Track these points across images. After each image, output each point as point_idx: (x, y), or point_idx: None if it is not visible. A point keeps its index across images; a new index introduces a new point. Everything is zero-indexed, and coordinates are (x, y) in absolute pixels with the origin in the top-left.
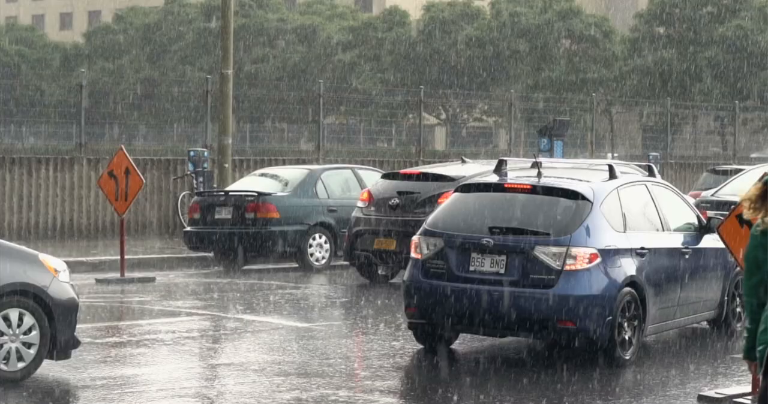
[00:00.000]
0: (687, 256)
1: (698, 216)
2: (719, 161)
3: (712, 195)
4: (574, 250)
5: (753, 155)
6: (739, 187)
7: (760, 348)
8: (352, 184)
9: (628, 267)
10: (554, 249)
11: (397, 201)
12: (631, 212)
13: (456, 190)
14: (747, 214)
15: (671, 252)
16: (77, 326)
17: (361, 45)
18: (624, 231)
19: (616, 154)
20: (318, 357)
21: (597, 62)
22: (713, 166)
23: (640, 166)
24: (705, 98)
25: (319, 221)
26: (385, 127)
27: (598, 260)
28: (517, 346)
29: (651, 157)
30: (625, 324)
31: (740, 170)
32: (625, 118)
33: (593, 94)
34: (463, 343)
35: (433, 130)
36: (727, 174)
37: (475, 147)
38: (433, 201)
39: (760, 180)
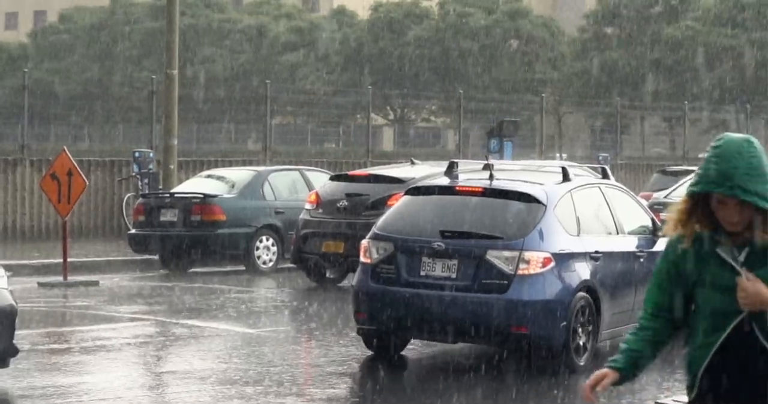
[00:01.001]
0: (641, 260)
1: (652, 219)
2: (668, 162)
3: (665, 196)
4: (527, 254)
5: (701, 155)
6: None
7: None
8: (299, 186)
9: (582, 271)
10: (507, 254)
11: (345, 203)
12: (584, 215)
13: (406, 193)
14: (671, 230)
15: (626, 255)
16: (16, 333)
17: (308, 45)
18: (578, 235)
19: (564, 155)
20: (265, 364)
21: (545, 63)
22: (663, 167)
23: (592, 167)
24: (653, 99)
25: (266, 223)
26: (332, 127)
27: (552, 264)
28: (469, 352)
29: (601, 158)
30: (580, 330)
31: (691, 171)
32: (574, 118)
33: (543, 95)
34: (413, 349)
35: (380, 131)
36: (677, 175)
37: (424, 147)
38: (382, 203)
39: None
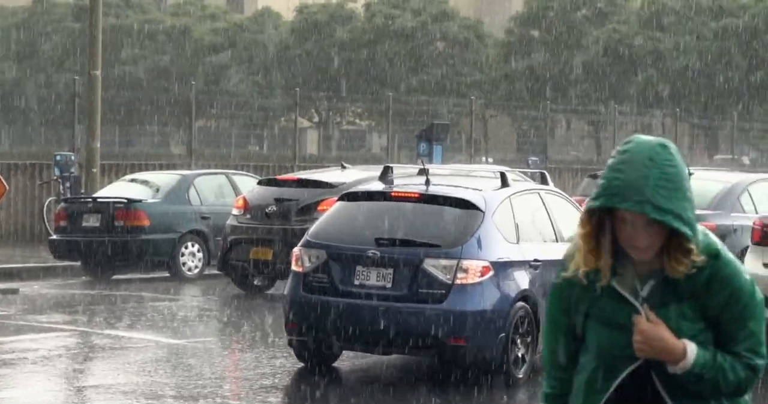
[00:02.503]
0: None
1: None
2: (597, 166)
3: None
4: (465, 263)
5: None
6: None
7: None
8: (226, 190)
9: (522, 280)
10: (444, 262)
11: (274, 208)
12: (524, 222)
13: (340, 199)
14: (583, 264)
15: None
16: None
17: (233, 47)
18: (517, 243)
19: (491, 159)
20: (193, 377)
21: (472, 65)
22: (594, 171)
23: (524, 173)
24: (580, 102)
25: (192, 229)
26: (256, 130)
27: (491, 273)
28: (404, 364)
29: (531, 162)
30: (518, 341)
31: None
32: (500, 122)
33: (472, 98)
34: (346, 361)
35: (305, 133)
36: None
37: (349, 151)
38: (312, 208)
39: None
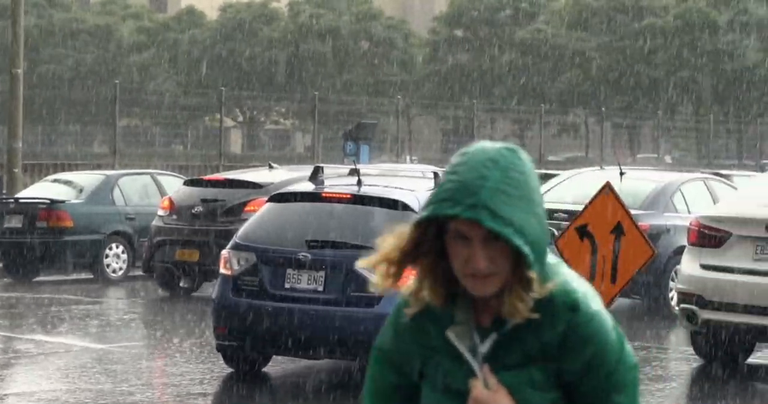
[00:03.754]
0: None
1: None
2: None
3: None
4: None
5: (550, 158)
6: (562, 195)
7: None
8: (151, 191)
9: None
10: None
11: (200, 209)
12: None
13: (269, 200)
14: (384, 283)
15: None
16: None
17: (156, 46)
18: None
19: (415, 158)
20: (118, 383)
21: (396, 65)
22: None
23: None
24: (504, 101)
25: (116, 230)
26: (180, 129)
27: None
28: (335, 369)
29: None
30: None
31: (550, 175)
32: (424, 121)
33: (398, 97)
34: (276, 366)
35: (229, 133)
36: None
37: (273, 150)
38: (239, 209)
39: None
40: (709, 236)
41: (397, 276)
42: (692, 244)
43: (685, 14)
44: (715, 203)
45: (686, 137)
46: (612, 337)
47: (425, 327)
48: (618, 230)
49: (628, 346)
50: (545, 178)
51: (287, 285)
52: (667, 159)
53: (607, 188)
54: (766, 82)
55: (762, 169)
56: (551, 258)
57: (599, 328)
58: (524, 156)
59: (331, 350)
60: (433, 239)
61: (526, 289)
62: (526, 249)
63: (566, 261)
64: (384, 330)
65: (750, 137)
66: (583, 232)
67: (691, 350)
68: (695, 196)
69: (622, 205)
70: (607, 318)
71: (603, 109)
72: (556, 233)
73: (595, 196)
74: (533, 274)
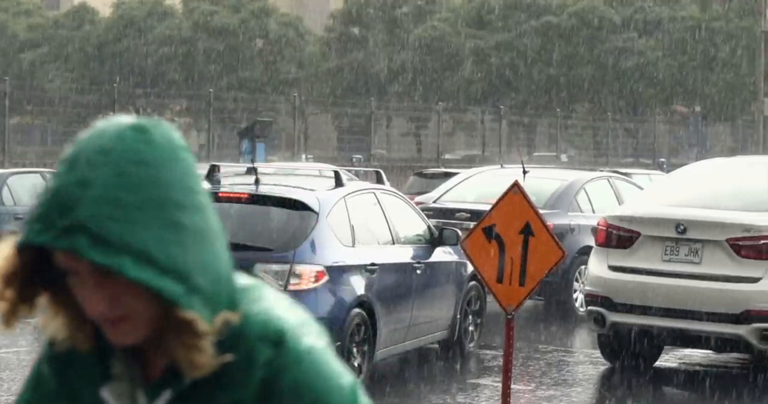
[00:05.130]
0: (419, 272)
1: (429, 227)
2: (420, 163)
3: (434, 201)
4: (298, 268)
5: (446, 156)
6: (463, 194)
7: None
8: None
9: (358, 285)
10: (276, 267)
11: None
12: (359, 224)
13: None
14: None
15: (402, 267)
16: None
17: (49, 43)
18: (353, 246)
19: (310, 157)
20: (4, 391)
21: (292, 62)
22: (420, 169)
23: (351, 170)
24: (401, 99)
25: (4, 231)
26: (73, 127)
27: (325, 279)
28: None
29: (355, 160)
30: (354, 350)
31: (450, 173)
32: (320, 119)
33: (295, 95)
34: None
35: None
36: (434, 177)
37: None
38: None
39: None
40: (618, 236)
41: (16, 304)
42: (600, 245)
43: (582, 12)
44: (619, 202)
45: (582, 135)
46: (335, 385)
47: (73, 382)
48: (527, 231)
49: (359, 395)
50: (445, 176)
51: None
52: (563, 157)
53: (516, 187)
54: (663, 81)
55: (660, 167)
56: (245, 279)
57: (315, 373)
58: (159, 136)
59: None
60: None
61: (192, 333)
62: (160, 283)
63: (473, 263)
64: (26, 381)
65: (646, 135)
66: (490, 233)
67: (597, 353)
68: (599, 195)
69: (531, 205)
70: (328, 359)
71: (501, 107)
72: (460, 234)
73: (503, 196)
74: (192, 314)
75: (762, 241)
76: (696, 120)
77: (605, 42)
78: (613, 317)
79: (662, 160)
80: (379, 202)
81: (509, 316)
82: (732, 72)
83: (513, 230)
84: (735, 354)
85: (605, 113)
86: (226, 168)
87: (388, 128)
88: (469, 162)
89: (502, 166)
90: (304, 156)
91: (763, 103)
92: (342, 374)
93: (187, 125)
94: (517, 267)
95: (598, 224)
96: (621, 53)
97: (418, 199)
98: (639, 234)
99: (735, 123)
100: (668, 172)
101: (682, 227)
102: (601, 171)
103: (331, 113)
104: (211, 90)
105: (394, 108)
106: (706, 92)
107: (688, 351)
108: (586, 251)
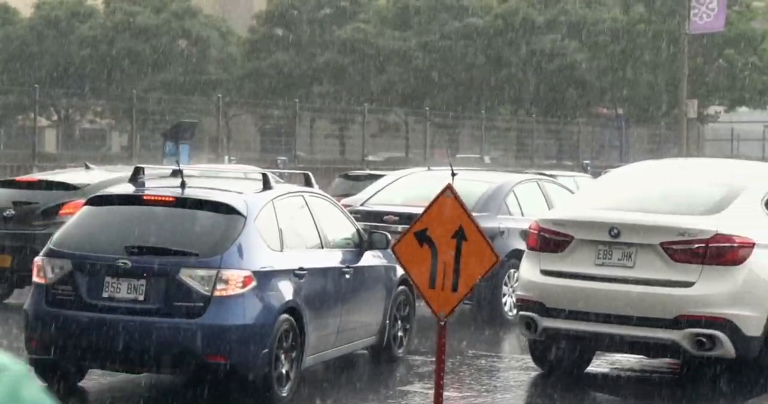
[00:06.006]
0: (348, 276)
1: (358, 231)
2: (343, 165)
3: (362, 204)
4: (225, 273)
5: (370, 158)
6: (391, 197)
7: None
8: None
9: (286, 291)
10: (202, 272)
11: (12, 212)
12: (288, 227)
13: (87, 203)
14: None
15: (331, 272)
16: None
17: None
18: (281, 250)
19: (233, 158)
20: None
21: (215, 63)
22: (345, 171)
23: (278, 173)
24: (324, 101)
25: None
26: None
27: (253, 284)
28: (156, 383)
29: (279, 162)
30: (283, 357)
31: (375, 175)
32: (243, 121)
33: (219, 96)
34: (93, 380)
35: (43, 132)
36: (360, 179)
37: (89, 150)
38: (54, 212)
39: None
40: (550, 240)
41: None
42: (532, 249)
43: (506, 14)
44: (548, 205)
45: (506, 137)
46: None
47: None
48: (459, 235)
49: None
50: (371, 178)
51: (105, 295)
52: (486, 159)
53: (448, 190)
54: (586, 83)
55: (584, 169)
56: None
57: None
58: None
59: (152, 363)
60: None
61: None
62: None
63: (405, 268)
64: None
65: (569, 137)
66: (422, 237)
67: (528, 358)
68: (529, 197)
69: (464, 209)
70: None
71: (426, 109)
72: (390, 237)
73: (435, 199)
74: None
75: (696, 245)
76: (619, 122)
77: (529, 44)
78: (545, 322)
79: (586, 162)
80: (307, 205)
81: (442, 323)
82: (655, 74)
83: (446, 234)
84: (666, 359)
85: (529, 115)
86: (150, 170)
87: (312, 129)
88: (393, 164)
89: (429, 168)
90: (227, 157)
91: (687, 106)
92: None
93: (109, 127)
94: (450, 272)
95: (530, 228)
96: (545, 55)
97: (345, 201)
98: (572, 238)
99: (658, 125)
100: (593, 173)
101: (615, 231)
102: (526, 173)
103: (254, 114)
104: (134, 91)
105: (318, 109)
106: (629, 94)
107: (619, 356)
108: (515, 254)
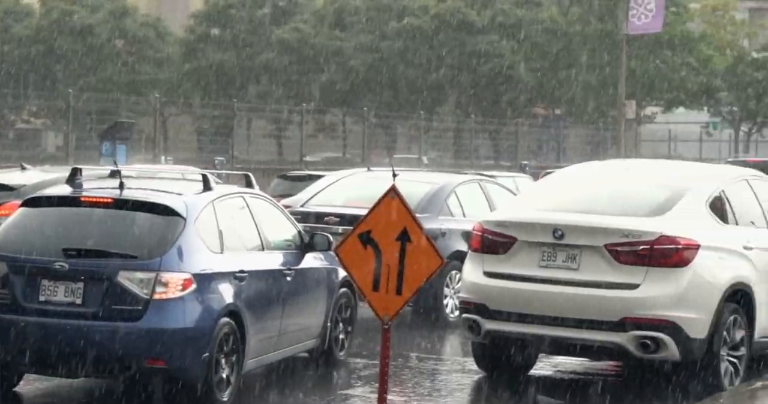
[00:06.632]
0: (289, 279)
1: (300, 232)
2: (282, 166)
3: (302, 205)
4: (165, 276)
5: (308, 158)
6: (331, 198)
7: None
8: None
9: (227, 294)
10: (141, 275)
11: None
12: (228, 229)
13: (23, 204)
14: None
15: (272, 274)
16: None
17: None
18: (221, 252)
19: (170, 158)
20: None
21: (152, 63)
22: (284, 171)
23: (217, 173)
24: (262, 101)
25: None
26: None
27: (193, 287)
28: (95, 387)
29: (217, 162)
30: (223, 361)
31: (314, 176)
32: (179, 121)
33: (157, 96)
34: (29, 384)
35: None
36: (300, 180)
37: (22, 150)
38: None
39: None
40: (494, 242)
41: None
42: (475, 250)
43: (444, 15)
44: (490, 206)
45: (443, 138)
46: None
47: None
48: (404, 237)
49: None
50: (310, 179)
51: (42, 298)
52: (424, 159)
53: (393, 192)
54: (524, 83)
55: (523, 170)
56: None
57: None
58: None
59: (90, 368)
60: None
61: None
62: None
63: (348, 270)
64: None
65: (507, 138)
66: (366, 239)
67: (470, 361)
68: (470, 198)
69: (409, 210)
70: None
71: (365, 109)
72: (331, 239)
73: (379, 201)
74: None
75: (641, 247)
76: (556, 122)
77: (467, 44)
78: (489, 325)
79: (525, 162)
80: (248, 206)
81: (386, 326)
82: (592, 75)
83: (390, 236)
84: (610, 362)
85: (467, 115)
86: (88, 171)
87: (249, 130)
88: (330, 164)
89: (369, 169)
90: (163, 158)
91: (625, 106)
92: None
93: (44, 126)
94: (394, 274)
95: (473, 229)
96: (482, 55)
97: (285, 201)
98: (515, 239)
99: (596, 125)
100: (531, 174)
101: (559, 232)
102: (467, 173)
103: (191, 115)
104: (70, 90)
105: (256, 109)
106: (566, 95)
107: (561, 358)
108: (457, 256)
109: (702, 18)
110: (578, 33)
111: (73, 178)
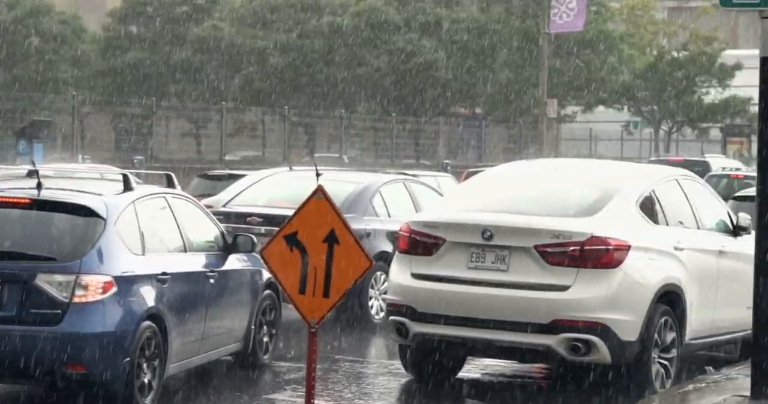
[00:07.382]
0: (212, 281)
1: (223, 233)
2: (200, 165)
3: (224, 205)
4: (85, 279)
5: (227, 157)
6: (254, 198)
7: None
8: None
9: (149, 297)
10: (60, 278)
11: None
12: (150, 230)
13: None
14: None
15: (196, 276)
16: None
17: None
18: (143, 254)
19: (87, 157)
20: None
21: (69, 61)
22: (205, 171)
23: (137, 173)
24: (180, 100)
25: None
26: None
27: (114, 290)
28: (11, 393)
29: (136, 161)
30: (145, 366)
31: (235, 175)
32: (96, 120)
33: (74, 94)
34: None
35: None
36: (220, 179)
37: None
38: None
39: None
40: (421, 243)
41: None
42: (402, 252)
43: (364, 13)
44: (415, 206)
45: (364, 136)
46: None
47: None
48: (331, 239)
49: None
50: (230, 178)
51: None
52: (345, 158)
53: (320, 192)
54: (444, 82)
55: (444, 169)
56: None
57: None
58: None
59: (7, 373)
60: None
61: None
62: None
63: (273, 273)
64: None
65: (427, 137)
66: (292, 241)
67: (396, 363)
68: (395, 198)
69: (336, 212)
70: None
71: (285, 107)
72: (255, 240)
73: (306, 202)
74: None
75: (571, 248)
76: (477, 121)
77: (387, 43)
78: (417, 327)
79: (447, 161)
80: (170, 206)
81: (312, 330)
82: (513, 74)
83: (317, 238)
84: (539, 364)
85: (388, 114)
86: (4, 170)
87: (168, 129)
88: (250, 163)
89: (291, 168)
90: (80, 157)
91: (546, 105)
92: None
93: None
94: (321, 277)
95: (400, 230)
96: (402, 54)
97: (207, 201)
98: (443, 240)
99: (517, 124)
100: (453, 173)
101: (488, 233)
102: (389, 173)
103: (109, 113)
104: None
105: (174, 108)
106: (487, 94)
107: (490, 361)
108: (382, 257)
109: (622, 17)
110: (499, 32)
111: None
